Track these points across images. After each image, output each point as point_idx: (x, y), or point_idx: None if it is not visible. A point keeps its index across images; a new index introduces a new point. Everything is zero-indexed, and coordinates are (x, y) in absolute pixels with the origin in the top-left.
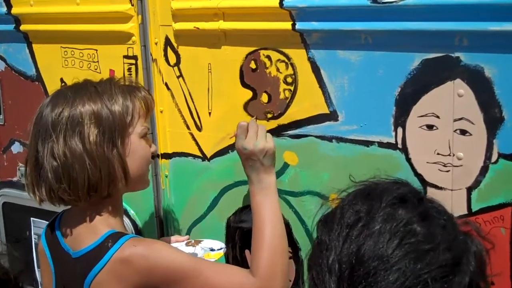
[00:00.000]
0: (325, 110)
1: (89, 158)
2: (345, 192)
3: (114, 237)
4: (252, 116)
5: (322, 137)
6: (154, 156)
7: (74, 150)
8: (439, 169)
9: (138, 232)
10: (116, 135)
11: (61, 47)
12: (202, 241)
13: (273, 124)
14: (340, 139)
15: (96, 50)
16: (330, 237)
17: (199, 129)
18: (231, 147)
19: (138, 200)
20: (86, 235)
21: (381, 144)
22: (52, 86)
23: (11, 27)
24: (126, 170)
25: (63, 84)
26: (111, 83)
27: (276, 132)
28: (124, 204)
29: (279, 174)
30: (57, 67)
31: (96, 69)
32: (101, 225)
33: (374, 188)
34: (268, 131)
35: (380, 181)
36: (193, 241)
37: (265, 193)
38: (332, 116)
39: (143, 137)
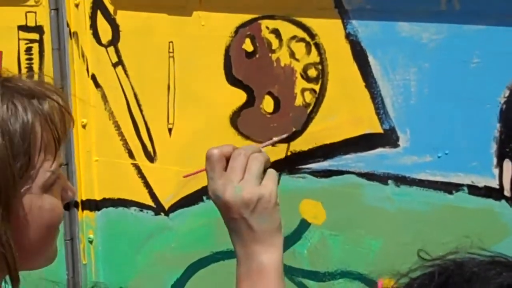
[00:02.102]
0: (375, 128)
1: None
2: (407, 278)
3: None
4: (248, 138)
5: (369, 176)
6: (70, 204)
7: None
8: None
9: None
10: None
11: None
12: None
13: (283, 150)
14: (401, 180)
15: None
16: None
17: (150, 158)
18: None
19: (38, 282)
20: None
21: (474, 190)
22: None
23: None
24: (11, 254)
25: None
26: None
27: (288, 164)
28: None
29: (291, 240)
30: None
31: None
32: None
33: (457, 273)
34: (274, 163)
35: (467, 259)
36: None
37: (259, 281)
38: (387, 138)
39: (50, 189)
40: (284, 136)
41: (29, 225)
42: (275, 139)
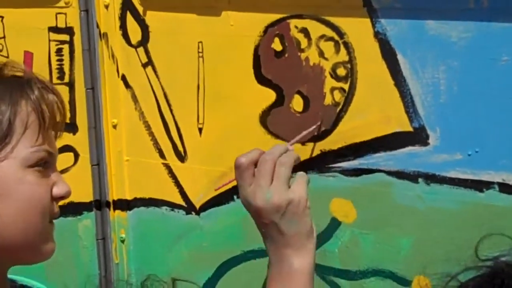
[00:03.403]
0: (405, 126)
1: None
2: (457, 282)
3: None
4: (278, 137)
5: (399, 175)
6: (102, 204)
7: None
8: None
9: None
10: None
11: None
12: None
13: (313, 150)
14: (431, 179)
15: (2, 17)
16: None
17: (181, 158)
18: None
19: (70, 281)
20: None
21: (505, 188)
22: None
23: None
24: None
25: None
26: None
27: (318, 164)
28: None
29: (322, 239)
30: None
31: (1, 50)
32: None
33: (509, 274)
34: (304, 162)
35: None
36: None
37: (289, 284)
38: (418, 137)
39: (33, 167)
40: (313, 128)
41: (7, 195)
42: (304, 132)
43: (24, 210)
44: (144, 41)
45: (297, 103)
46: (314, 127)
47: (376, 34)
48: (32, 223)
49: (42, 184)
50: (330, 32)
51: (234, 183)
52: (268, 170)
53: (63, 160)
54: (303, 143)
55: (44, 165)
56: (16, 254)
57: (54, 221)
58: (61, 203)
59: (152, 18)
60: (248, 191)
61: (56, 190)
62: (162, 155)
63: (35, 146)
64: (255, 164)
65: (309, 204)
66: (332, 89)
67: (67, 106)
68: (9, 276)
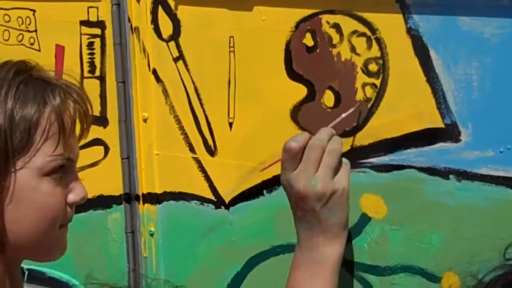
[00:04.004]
0: (437, 122)
1: None
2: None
3: None
4: (309, 133)
5: (431, 171)
6: (131, 197)
7: None
8: None
9: None
10: None
11: None
12: None
13: (343, 145)
14: (463, 175)
15: (34, 11)
16: None
17: (211, 152)
18: (268, 185)
19: (99, 274)
20: None
21: None
22: None
23: None
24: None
25: None
26: (8, 69)
27: (348, 159)
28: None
29: (352, 234)
30: None
31: (32, 44)
32: None
33: None
34: None
35: None
36: None
37: (316, 271)
38: (449, 133)
39: (49, 175)
40: (352, 110)
41: (19, 203)
42: (343, 115)
43: (35, 217)
44: (175, 36)
45: (328, 98)
46: (353, 109)
47: (409, 30)
48: (41, 229)
49: (56, 193)
50: (362, 28)
51: (279, 164)
52: (317, 157)
53: (93, 153)
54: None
55: (61, 170)
56: (25, 254)
57: (84, 213)
58: (90, 196)
59: (183, 12)
60: (293, 174)
61: (71, 197)
62: (192, 149)
63: (52, 155)
64: (303, 149)
65: (349, 195)
66: (364, 85)
67: (99, 100)
68: (38, 267)
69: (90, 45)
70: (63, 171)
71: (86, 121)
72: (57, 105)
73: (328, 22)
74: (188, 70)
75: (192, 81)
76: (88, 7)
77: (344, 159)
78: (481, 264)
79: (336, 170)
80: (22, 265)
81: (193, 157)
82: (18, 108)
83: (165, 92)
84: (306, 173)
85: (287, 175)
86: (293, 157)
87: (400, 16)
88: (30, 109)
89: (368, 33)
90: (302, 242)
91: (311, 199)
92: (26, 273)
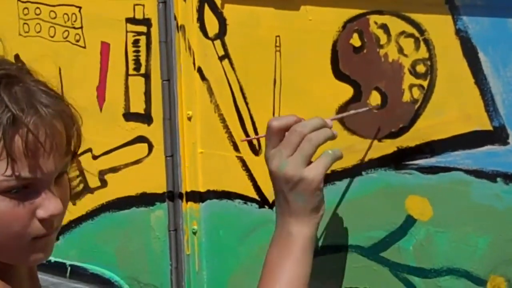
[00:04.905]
0: (485, 125)
1: None
2: None
3: None
4: (355, 133)
5: (478, 174)
6: (175, 195)
7: None
8: None
9: None
10: None
11: (18, 1)
12: None
13: (389, 146)
14: (510, 178)
15: (80, 7)
16: None
17: (255, 151)
18: None
19: (141, 271)
20: None
21: None
22: None
23: None
24: None
25: (19, 64)
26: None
27: (394, 160)
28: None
29: (397, 236)
30: (11, 35)
31: (78, 41)
32: None
33: None
34: (380, 158)
35: None
36: None
37: (285, 246)
38: (497, 136)
39: (6, 194)
40: (363, 109)
41: None
42: (351, 112)
43: None
44: (221, 34)
45: (374, 99)
46: (364, 109)
47: (457, 32)
48: (4, 244)
49: (18, 210)
50: (410, 29)
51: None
52: (293, 142)
53: (137, 151)
54: (379, 140)
55: (23, 189)
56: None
57: (127, 210)
58: (133, 194)
59: (229, 11)
60: (270, 153)
61: (41, 213)
62: (236, 148)
63: (4, 176)
64: (286, 130)
65: (322, 185)
66: (411, 86)
67: (143, 98)
68: (81, 264)
69: (136, 42)
70: (27, 189)
71: (62, 135)
72: (34, 120)
73: (376, 23)
74: (233, 68)
75: (237, 80)
76: (134, 5)
77: (336, 152)
78: None
79: (310, 158)
80: (64, 260)
81: (237, 156)
82: None
83: (210, 90)
84: (280, 155)
85: (266, 154)
86: (273, 135)
87: (449, 17)
88: None
89: (416, 34)
90: (276, 219)
91: (280, 180)
92: (69, 269)
